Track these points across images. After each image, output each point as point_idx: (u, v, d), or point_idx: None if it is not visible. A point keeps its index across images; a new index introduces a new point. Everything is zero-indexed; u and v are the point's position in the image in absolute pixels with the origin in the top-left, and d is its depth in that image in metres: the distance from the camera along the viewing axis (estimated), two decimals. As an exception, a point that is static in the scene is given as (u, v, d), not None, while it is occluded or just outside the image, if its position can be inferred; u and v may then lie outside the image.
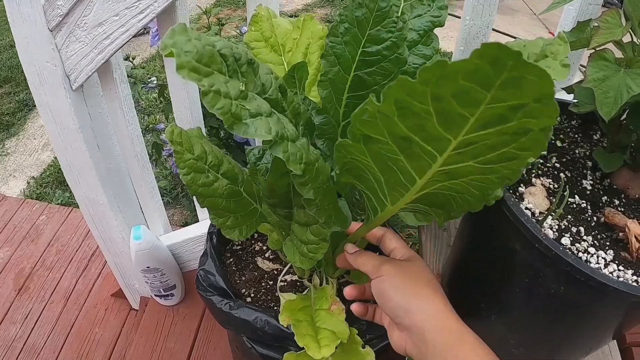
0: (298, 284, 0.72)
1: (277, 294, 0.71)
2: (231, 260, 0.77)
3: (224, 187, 0.54)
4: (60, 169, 2.12)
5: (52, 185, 2.08)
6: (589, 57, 0.56)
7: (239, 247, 0.79)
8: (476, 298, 0.60)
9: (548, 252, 0.44)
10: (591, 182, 0.60)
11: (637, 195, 0.61)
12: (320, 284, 0.67)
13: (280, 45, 0.65)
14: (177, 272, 1.10)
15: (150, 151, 1.60)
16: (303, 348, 0.54)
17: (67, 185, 2.01)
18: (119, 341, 1.29)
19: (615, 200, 0.59)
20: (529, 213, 0.52)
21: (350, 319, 0.61)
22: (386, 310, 0.48)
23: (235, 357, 0.83)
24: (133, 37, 0.79)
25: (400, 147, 0.35)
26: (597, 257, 0.50)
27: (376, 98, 0.31)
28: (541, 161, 0.60)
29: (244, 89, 0.36)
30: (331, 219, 0.46)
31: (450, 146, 0.31)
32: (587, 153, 0.64)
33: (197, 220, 1.17)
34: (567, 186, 0.57)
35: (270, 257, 0.77)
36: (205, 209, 1.12)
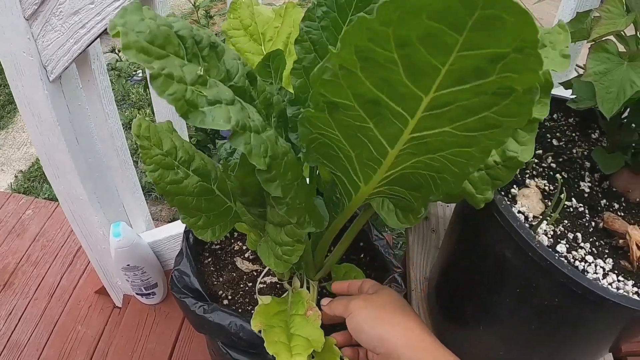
0: (278, 286, 0.68)
1: (255, 297, 0.67)
2: (209, 260, 0.73)
3: (195, 185, 0.51)
4: (49, 162, 2.08)
5: (39, 180, 2.04)
6: (589, 48, 0.52)
7: (217, 246, 0.75)
8: (464, 306, 0.56)
9: (542, 261, 0.40)
10: (589, 184, 0.56)
11: (637, 199, 0.57)
12: (301, 287, 0.63)
13: (260, 34, 0.61)
14: (159, 270, 1.06)
15: (134, 146, 1.57)
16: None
17: (55, 179, 1.98)
18: (101, 339, 1.25)
19: (615, 204, 0.55)
20: (522, 217, 0.48)
21: (328, 328, 0.58)
22: (363, 344, 0.49)
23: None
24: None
25: (368, 112, 0.31)
26: (595, 266, 0.47)
27: (335, 47, 0.27)
28: (536, 161, 0.56)
29: (202, 73, 0.32)
30: (304, 219, 0.42)
31: (421, 105, 0.27)
32: (585, 153, 0.61)
33: (182, 218, 1.13)
34: (564, 188, 0.54)
35: (250, 257, 0.73)
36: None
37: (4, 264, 1.54)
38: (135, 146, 1.43)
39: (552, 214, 0.47)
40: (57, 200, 1.80)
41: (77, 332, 1.30)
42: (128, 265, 0.98)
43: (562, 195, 0.47)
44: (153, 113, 1.39)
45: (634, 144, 0.57)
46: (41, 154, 0.91)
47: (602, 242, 0.50)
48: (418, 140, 0.31)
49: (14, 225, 1.67)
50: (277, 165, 0.35)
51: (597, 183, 0.57)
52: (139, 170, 1.16)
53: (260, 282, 0.69)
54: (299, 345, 0.49)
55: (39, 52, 0.79)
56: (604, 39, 0.52)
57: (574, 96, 0.57)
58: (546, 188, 0.53)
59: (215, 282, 0.70)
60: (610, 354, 0.74)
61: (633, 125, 0.57)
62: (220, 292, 0.69)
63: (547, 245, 0.45)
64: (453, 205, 0.87)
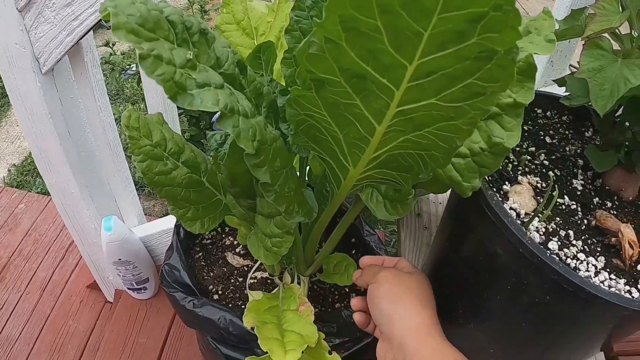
0: (269, 281, 0.68)
1: (246, 292, 0.67)
2: (200, 254, 0.73)
3: (184, 176, 0.50)
4: (43, 156, 2.07)
5: (32, 173, 2.02)
6: (583, 45, 0.51)
7: (208, 241, 0.75)
8: (454, 303, 0.56)
9: (533, 258, 0.40)
10: (582, 182, 0.56)
11: (630, 198, 0.57)
12: (292, 282, 0.63)
13: (253, 28, 0.60)
14: (151, 265, 1.05)
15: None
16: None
17: (48, 173, 1.97)
18: (92, 334, 1.25)
19: (608, 202, 0.55)
20: (514, 214, 0.47)
21: (323, 322, 0.57)
22: (373, 316, 0.48)
23: (203, 356, 0.79)
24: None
25: (355, 87, 0.31)
26: (587, 264, 0.46)
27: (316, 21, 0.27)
28: (529, 158, 0.56)
29: (192, 57, 0.32)
30: (293, 208, 0.42)
31: (406, 75, 0.27)
32: (578, 151, 0.60)
33: (175, 213, 1.12)
34: (557, 185, 0.53)
35: (241, 252, 0.73)
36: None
37: (-4, 258, 1.53)
38: (128, 140, 1.43)
39: (545, 211, 0.47)
40: (50, 194, 1.79)
41: (68, 327, 1.29)
42: (119, 259, 0.97)
43: (554, 192, 0.47)
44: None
45: (627, 142, 0.57)
46: (33, 147, 0.90)
47: (594, 240, 0.49)
48: (405, 115, 0.31)
49: (6, 220, 1.66)
50: (265, 150, 0.35)
51: (589, 181, 0.57)
52: (132, 165, 1.16)
53: (251, 277, 0.69)
54: (293, 342, 0.48)
55: (31, 44, 0.78)
56: (598, 36, 0.52)
57: (567, 93, 0.56)
58: (538, 185, 0.53)
59: (206, 277, 0.70)
60: (602, 353, 0.74)
61: (626, 123, 0.57)
62: (211, 287, 0.68)
63: (539, 243, 0.45)
64: (445, 202, 0.86)
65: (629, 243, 0.48)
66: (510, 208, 0.48)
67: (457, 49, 0.25)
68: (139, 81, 1.23)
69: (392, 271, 0.50)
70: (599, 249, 0.49)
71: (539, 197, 0.51)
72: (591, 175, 0.58)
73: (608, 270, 0.46)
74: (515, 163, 0.54)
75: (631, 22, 0.54)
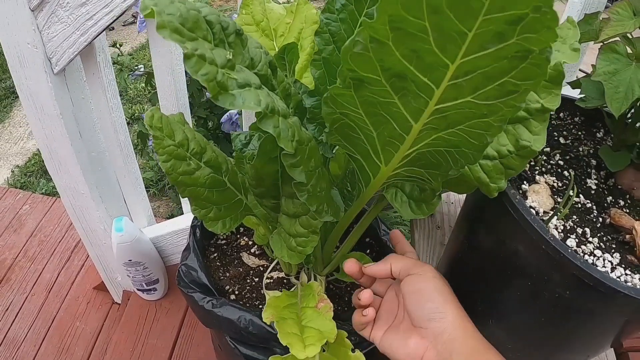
0: (285, 281, 0.68)
1: (262, 292, 0.67)
2: (215, 255, 0.73)
3: (206, 176, 0.51)
4: (45, 157, 2.07)
5: (36, 175, 2.02)
6: (599, 49, 0.52)
7: (223, 241, 0.75)
8: (473, 300, 0.56)
9: (556, 254, 0.41)
10: (596, 182, 0.57)
11: (642, 197, 0.58)
12: (309, 281, 0.64)
13: (272, 29, 0.61)
14: (161, 266, 1.06)
15: (135, 141, 1.55)
16: (289, 350, 0.51)
17: (52, 174, 1.97)
18: (100, 335, 1.25)
19: (620, 201, 0.56)
20: (533, 212, 0.48)
21: (339, 320, 0.58)
22: (418, 311, 0.45)
23: (218, 356, 0.80)
24: (123, 24, 0.75)
25: (394, 86, 0.32)
26: (604, 260, 0.47)
27: (369, 18, 0.28)
28: (545, 158, 0.57)
29: (230, 57, 0.32)
30: (323, 207, 0.42)
31: (447, 74, 0.28)
32: (591, 151, 0.61)
33: (183, 213, 1.13)
34: (574, 184, 0.54)
35: (257, 252, 0.73)
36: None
37: (1, 260, 1.52)
38: (136, 141, 1.42)
39: (563, 209, 0.48)
40: (54, 195, 1.79)
41: (75, 328, 1.29)
42: (130, 260, 0.98)
43: (572, 192, 0.48)
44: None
45: (638, 143, 0.58)
46: (43, 147, 0.90)
47: (609, 237, 0.51)
48: (441, 113, 0.32)
49: (10, 221, 1.65)
50: (302, 150, 0.36)
51: (603, 180, 0.58)
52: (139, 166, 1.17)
53: (267, 277, 0.70)
54: (312, 337, 0.49)
55: (43, 44, 0.78)
56: (611, 40, 0.53)
57: (582, 95, 0.58)
58: (555, 184, 0.54)
59: (222, 277, 0.70)
60: (612, 350, 0.76)
61: (638, 124, 0.58)
62: (227, 287, 0.69)
63: (559, 240, 0.46)
64: (458, 202, 0.87)
65: (644, 240, 0.49)
66: (530, 206, 0.49)
67: (496, 49, 0.26)
68: (147, 82, 1.23)
69: (429, 266, 0.49)
70: (613, 246, 0.50)
71: (555, 196, 0.52)
72: (604, 174, 0.59)
73: (623, 266, 0.47)
74: (533, 163, 0.55)
75: None
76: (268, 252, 0.72)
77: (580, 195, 0.54)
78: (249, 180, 0.53)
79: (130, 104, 2.04)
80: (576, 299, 0.44)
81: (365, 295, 0.51)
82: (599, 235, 0.50)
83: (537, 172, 0.54)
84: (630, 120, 0.59)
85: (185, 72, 0.90)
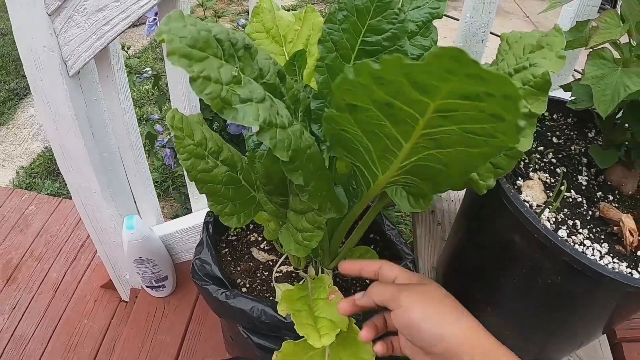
0: (293, 275, 0.72)
1: (272, 285, 0.71)
2: (226, 250, 0.77)
3: (223, 174, 0.54)
4: (49, 159, 2.10)
5: (41, 176, 2.05)
6: (587, 55, 0.56)
7: (234, 237, 0.79)
8: (472, 290, 0.60)
9: (547, 242, 0.45)
10: (586, 178, 0.61)
11: (630, 192, 0.62)
12: (317, 274, 0.67)
13: (281, 36, 0.65)
14: (169, 263, 1.09)
15: (143, 142, 1.59)
16: (300, 337, 0.54)
17: (57, 175, 2.00)
18: (108, 333, 1.28)
19: (610, 196, 0.60)
20: (527, 205, 0.52)
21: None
22: (416, 342, 0.45)
23: (228, 347, 0.83)
24: (131, 26, 0.78)
25: (384, 112, 0.35)
26: (593, 249, 0.51)
27: (351, 72, 0.32)
28: (538, 156, 0.61)
29: (237, 74, 0.36)
30: (326, 206, 0.46)
31: (429, 108, 0.31)
32: (582, 150, 0.65)
33: (187, 213, 1.16)
34: (565, 180, 0.58)
35: (266, 248, 0.77)
36: (199, 200, 1.11)
37: (7, 259, 1.55)
38: (145, 142, 1.46)
39: (554, 203, 0.52)
40: (59, 196, 1.82)
41: (82, 326, 1.32)
42: (140, 257, 1.01)
43: (563, 187, 0.52)
44: (160, 110, 1.42)
45: (626, 142, 0.62)
46: (56, 147, 0.93)
47: (598, 229, 0.54)
48: (429, 136, 0.35)
49: (17, 221, 1.68)
50: (299, 157, 0.39)
51: (593, 177, 0.62)
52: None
53: (277, 271, 0.73)
54: (325, 327, 0.52)
55: (59, 47, 0.81)
56: (600, 46, 0.57)
57: (573, 98, 0.62)
58: (547, 180, 0.58)
59: (233, 271, 0.74)
60: (606, 340, 0.79)
61: (626, 124, 0.62)
62: (239, 280, 0.72)
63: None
64: (457, 200, 0.91)
65: (630, 231, 0.53)
66: (524, 200, 0.53)
67: (473, 104, 0.29)
68: (154, 84, 1.27)
69: (411, 291, 0.47)
70: (602, 237, 0.54)
71: (548, 191, 0.56)
72: (594, 172, 0.63)
73: (611, 255, 0.51)
74: (527, 161, 0.59)
75: (631, 33, 0.59)
76: (277, 247, 0.75)
77: (572, 191, 0.58)
78: (259, 179, 0.56)
79: (133, 106, 2.07)
80: (567, 285, 0.48)
81: (362, 334, 0.52)
82: (588, 227, 0.54)
83: (531, 169, 0.58)
84: (619, 121, 0.63)
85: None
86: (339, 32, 0.51)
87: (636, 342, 0.89)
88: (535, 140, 0.64)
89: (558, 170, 0.60)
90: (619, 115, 0.63)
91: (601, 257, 0.50)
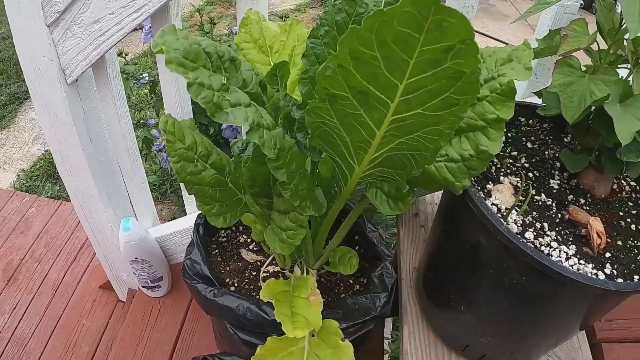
0: (280, 275, 0.75)
1: (259, 284, 0.74)
2: (217, 251, 0.80)
3: (211, 177, 0.57)
4: (50, 162, 2.13)
5: (41, 178, 2.08)
6: (555, 63, 0.59)
7: (224, 238, 0.82)
8: (447, 289, 0.63)
9: (509, 244, 0.47)
10: (558, 182, 0.64)
11: (602, 195, 0.65)
12: (302, 274, 0.70)
13: (268, 46, 0.68)
14: (165, 264, 1.12)
15: (140, 146, 1.62)
16: (282, 334, 0.57)
17: (57, 178, 2.03)
18: (106, 332, 1.31)
19: (581, 200, 0.63)
20: (495, 209, 0.55)
21: (329, 309, 0.64)
22: None
23: (218, 344, 0.86)
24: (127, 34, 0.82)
25: (359, 101, 0.40)
26: (560, 251, 0.54)
27: (335, 50, 0.36)
28: (511, 161, 0.64)
29: (225, 82, 0.39)
30: (306, 204, 0.49)
31: (398, 91, 0.36)
32: (556, 154, 0.68)
33: (185, 215, 1.19)
34: (533, 184, 0.61)
35: (254, 249, 0.80)
36: (194, 202, 1.14)
37: (8, 260, 1.58)
38: (142, 146, 1.49)
39: (522, 205, 0.54)
40: (59, 198, 1.85)
41: (81, 325, 1.35)
42: (136, 258, 1.04)
43: (527, 187, 0.55)
44: (157, 115, 1.45)
45: (597, 147, 0.64)
46: (55, 152, 0.97)
47: (567, 231, 0.57)
48: (398, 122, 0.40)
49: (17, 223, 1.72)
50: (283, 155, 0.43)
51: (566, 181, 0.65)
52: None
53: (264, 271, 0.76)
54: (299, 322, 0.55)
55: (58, 57, 0.84)
56: (569, 55, 0.60)
57: (543, 104, 0.64)
58: (518, 185, 0.60)
59: (223, 271, 0.77)
60: (586, 340, 0.81)
61: (597, 130, 0.64)
62: (228, 279, 0.75)
63: (517, 233, 0.53)
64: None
65: (597, 233, 0.56)
66: (493, 204, 0.55)
67: (435, 72, 0.33)
68: (152, 90, 1.30)
69: None
70: (570, 239, 0.56)
71: (518, 195, 0.59)
72: (567, 176, 0.65)
73: (578, 256, 0.54)
74: (499, 165, 0.62)
75: (605, 40, 0.62)
76: (265, 248, 0.78)
77: (542, 194, 0.61)
78: (245, 181, 0.59)
79: (132, 110, 2.10)
80: (531, 285, 0.50)
81: None
82: (557, 229, 0.57)
83: (502, 173, 0.61)
84: (591, 126, 0.66)
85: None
86: (321, 47, 0.54)
87: (616, 342, 0.91)
88: (510, 145, 0.66)
89: (530, 174, 0.63)
90: (591, 120, 0.65)
91: (567, 259, 0.53)
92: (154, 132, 1.29)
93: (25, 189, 2.02)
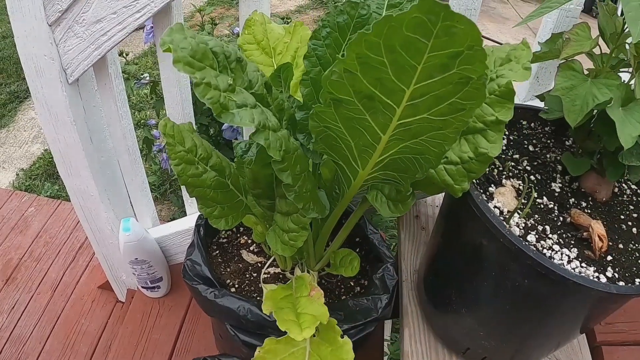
0: (281, 276, 0.75)
1: (260, 285, 0.73)
2: (217, 252, 0.80)
3: (212, 179, 0.57)
4: (49, 161, 2.13)
5: (41, 178, 2.08)
6: (557, 67, 0.59)
7: (224, 239, 0.82)
8: (448, 292, 0.63)
9: (511, 246, 0.47)
10: (560, 185, 0.64)
11: (604, 199, 0.65)
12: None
13: (271, 48, 0.68)
14: (164, 264, 1.12)
15: (140, 146, 1.62)
16: (283, 334, 0.57)
17: (56, 178, 2.03)
18: (104, 332, 1.30)
19: (583, 203, 0.63)
20: (497, 211, 0.55)
21: (330, 310, 0.64)
22: None
23: (218, 345, 0.86)
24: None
25: (365, 105, 0.39)
26: (561, 254, 0.54)
27: (342, 55, 0.35)
28: (513, 164, 0.64)
29: (232, 83, 0.39)
30: (309, 206, 0.49)
31: (404, 96, 0.36)
32: (558, 158, 0.68)
33: (184, 216, 1.19)
34: (535, 187, 0.61)
35: (255, 250, 0.80)
36: (193, 204, 1.14)
37: (7, 260, 1.58)
38: (142, 147, 1.49)
39: (524, 208, 0.54)
40: (58, 198, 1.85)
41: (80, 326, 1.34)
42: (136, 258, 1.04)
43: (530, 190, 0.55)
44: (158, 115, 1.45)
45: (599, 150, 0.64)
46: (55, 151, 0.96)
47: (569, 234, 0.57)
48: (404, 127, 0.40)
49: (16, 222, 1.71)
50: (289, 157, 0.43)
51: (567, 184, 0.65)
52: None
53: (265, 273, 0.76)
54: (307, 321, 0.55)
55: (59, 56, 0.84)
56: (571, 58, 0.60)
57: (546, 108, 0.64)
58: (520, 187, 0.60)
59: (223, 272, 0.77)
60: (587, 343, 0.82)
61: (599, 133, 0.64)
62: (228, 281, 0.75)
63: (519, 235, 0.53)
64: (440, 205, 0.94)
65: (599, 236, 0.56)
66: (495, 206, 0.55)
67: (442, 77, 0.33)
68: (152, 90, 1.30)
69: None
70: (572, 242, 0.56)
71: (520, 198, 0.59)
72: (569, 179, 0.65)
73: (580, 259, 0.54)
74: (501, 168, 0.62)
75: (607, 44, 0.62)
76: (266, 249, 0.78)
77: (544, 197, 0.61)
78: (247, 183, 0.59)
79: (132, 110, 2.10)
80: (533, 288, 0.50)
81: None
82: (558, 232, 0.57)
83: (504, 176, 0.61)
84: (593, 129, 0.66)
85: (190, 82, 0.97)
86: (323, 48, 0.54)
87: (616, 345, 0.91)
88: (512, 148, 0.67)
89: (532, 177, 0.63)
90: (593, 123, 0.65)
91: (569, 262, 0.53)
92: (155, 132, 1.29)
93: (24, 188, 2.02)
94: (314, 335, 0.61)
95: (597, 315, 0.62)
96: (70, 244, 1.62)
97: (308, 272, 0.71)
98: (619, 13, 0.62)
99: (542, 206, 0.59)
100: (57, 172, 1.01)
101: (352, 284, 0.76)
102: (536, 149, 0.69)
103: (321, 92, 0.39)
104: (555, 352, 0.76)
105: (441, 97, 0.35)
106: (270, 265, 0.77)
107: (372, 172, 0.47)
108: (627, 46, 0.60)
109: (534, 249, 0.51)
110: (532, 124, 0.73)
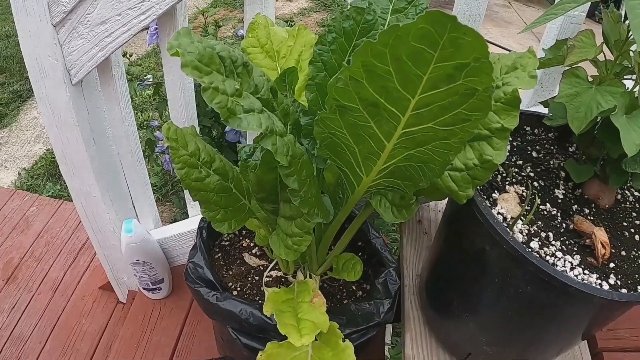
0: (283, 279, 0.75)
1: (262, 289, 0.73)
2: (219, 255, 0.80)
3: (215, 183, 0.57)
4: (51, 161, 2.13)
5: (43, 177, 2.08)
6: (562, 74, 0.59)
7: (227, 242, 0.82)
8: (450, 297, 0.63)
9: (515, 252, 0.47)
10: (563, 192, 0.64)
11: (607, 205, 0.65)
12: (305, 279, 0.70)
13: (275, 51, 0.68)
14: (166, 266, 1.12)
15: (143, 147, 1.63)
16: (285, 338, 0.57)
17: (58, 177, 2.03)
18: (105, 333, 1.30)
19: (586, 209, 0.63)
20: (501, 217, 0.55)
21: (332, 314, 0.64)
22: None
23: (220, 348, 0.86)
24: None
25: (370, 113, 0.40)
26: (564, 260, 0.54)
27: (348, 62, 0.35)
28: (516, 170, 0.64)
29: (239, 87, 0.39)
30: (314, 211, 0.49)
31: (410, 105, 0.36)
32: (561, 164, 0.68)
33: (186, 217, 1.19)
34: (538, 193, 0.61)
35: (257, 253, 0.80)
36: (195, 206, 1.15)
37: (8, 259, 1.58)
38: (144, 148, 1.49)
39: (527, 215, 0.54)
40: (60, 198, 1.85)
41: (80, 326, 1.34)
42: (138, 260, 1.04)
43: (533, 197, 0.55)
44: (161, 116, 1.45)
45: (602, 157, 0.64)
46: (58, 152, 0.97)
47: (571, 241, 0.57)
48: (408, 136, 0.40)
49: (18, 222, 1.71)
50: (295, 163, 0.43)
51: (570, 191, 0.65)
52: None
53: (267, 276, 0.76)
54: (307, 327, 0.55)
55: (63, 57, 0.84)
56: (575, 65, 0.60)
57: (550, 114, 0.64)
58: (524, 194, 0.60)
59: (225, 275, 0.77)
60: (588, 349, 0.81)
61: (602, 140, 0.64)
62: (230, 284, 0.75)
63: (522, 242, 0.53)
64: (443, 210, 0.94)
65: (601, 243, 0.56)
66: (498, 213, 0.55)
67: (448, 88, 0.33)
68: (155, 92, 1.30)
69: None
70: (575, 249, 0.56)
71: (523, 204, 0.59)
72: (572, 185, 0.65)
73: (582, 266, 0.54)
74: (504, 175, 0.62)
75: (611, 51, 0.62)
76: (268, 252, 0.78)
77: (547, 204, 0.61)
78: (252, 187, 0.59)
79: (135, 111, 2.11)
80: (536, 294, 0.50)
81: None
82: (561, 239, 0.57)
83: (507, 182, 0.61)
84: (597, 137, 0.66)
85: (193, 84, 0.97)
86: (328, 53, 0.54)
87: (617, 351, 0.91)
88: (515, 154, 0.67)
89: (535, 184, 0.63)
90: (596, 130, 0.65)
91: (572, 269, 0.53)
92: (157, 133, 1.29)
93: (26, 188, 2.02)
94: (315, 339, 0.61)
95: (599, 322, 0.62)
96: (72, 244, 1.62)
97: (310, 276, 0.71)
98: (623, 20, 0.62)
99: (545, 213, 0.59)
100: (59, 172, 1.01)
101: (355, 288, 0.76)
102: (540, 155, 0.69)
103: (326, 98, 0.39)
104: (556, 358, 0.76)
105: (446, 107, 0.35)
106: (273, 269, 0.76)
107: (376, 179, 0.47)
108: (631, 53, 0.60)
109: (537, 255, 0.51)
110: (536, 130, 0.73)
